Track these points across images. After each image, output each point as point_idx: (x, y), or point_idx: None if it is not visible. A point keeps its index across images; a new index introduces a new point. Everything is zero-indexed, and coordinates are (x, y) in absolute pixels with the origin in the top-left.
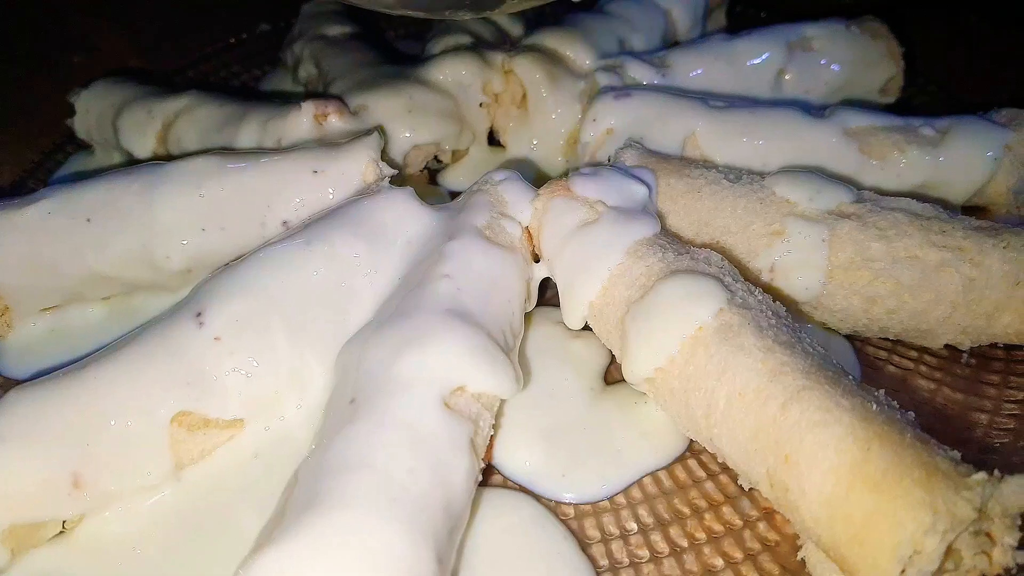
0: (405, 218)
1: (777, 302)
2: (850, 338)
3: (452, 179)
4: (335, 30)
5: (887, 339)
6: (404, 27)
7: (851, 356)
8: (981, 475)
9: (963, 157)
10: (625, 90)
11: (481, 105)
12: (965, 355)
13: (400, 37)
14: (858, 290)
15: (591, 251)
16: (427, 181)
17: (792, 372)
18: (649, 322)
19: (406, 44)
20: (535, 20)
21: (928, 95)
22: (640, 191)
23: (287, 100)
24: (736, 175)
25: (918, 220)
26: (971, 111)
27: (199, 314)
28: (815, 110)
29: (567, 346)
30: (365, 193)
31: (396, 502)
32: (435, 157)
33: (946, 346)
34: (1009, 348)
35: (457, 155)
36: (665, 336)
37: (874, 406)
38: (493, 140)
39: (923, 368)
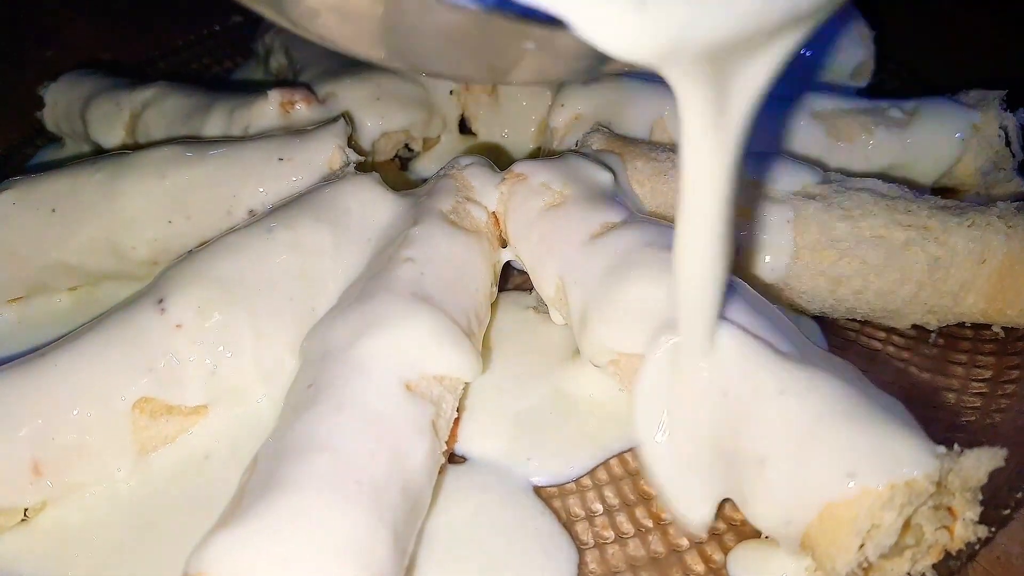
0: (370, 204)
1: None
2: (819, 319)
3: (424, 167)
4: None
5: (855, 320)
6: None
7: (819, 336)
8: (940, 449)
9: (931, 138)
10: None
11: (452, 93)
12: (933, 335)
13: None
14: (824, 270)
15: (556, 234)
16: (398, 169)
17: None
18: (611, 305)
19: None
20: None
21: (899, 79)
22: (604, 176)
23: (256, 90)
24: None
25: (883, 200)
26: (940, 94)
27: (161, 301)
28: (783, 94)
29: (535, 330)
30: (330, 179)
31: (353, 484)
32: (406, 145)
33: (914, 326)
34: (977, 327)
35: (428, 143)
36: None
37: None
38: (465, 128)
39: (891, 348)
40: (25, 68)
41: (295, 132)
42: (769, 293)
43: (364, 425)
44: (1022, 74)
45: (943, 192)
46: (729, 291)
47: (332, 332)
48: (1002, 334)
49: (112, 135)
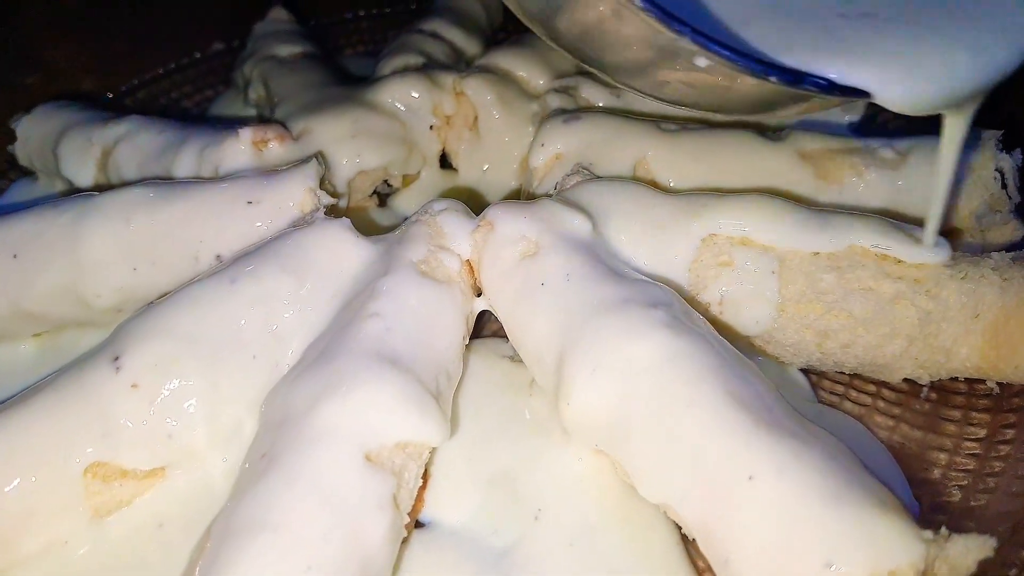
0: (339, 252)
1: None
2: (806, 371)
3: (404, 203)
4: (286, 50)
5: (844, 373)
6: (363, 44)
7: (807, 390)
8: (926, 534)
9: (924, 180)
10: (575, 113)
11: (431, 128)
12: (925, 389)
13: (359, 55)
14: (810, 324)
15: (530, 287)
16: (377, 206)
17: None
18: (592, 356)
19: (364, 62)
20: (493, 39)
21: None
22: (581, 224)
23: (234, 124)
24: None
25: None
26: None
27: (117, 358)
28: (770, 132)
29: (510, 381)
30: (298, 225)
31: (304, 569)
32: (385, 181)
33: (906, 380)
34: (971, 382)
35: (408, 179)
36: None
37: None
38: (446, 163)
39: (881, 403)
40: (4, 96)
41: (265, 173)
42: (753, 346)
43: (318, 502)
44: None
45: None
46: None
47: (291, 395)
48: (997, 389)
49: (83, 172)
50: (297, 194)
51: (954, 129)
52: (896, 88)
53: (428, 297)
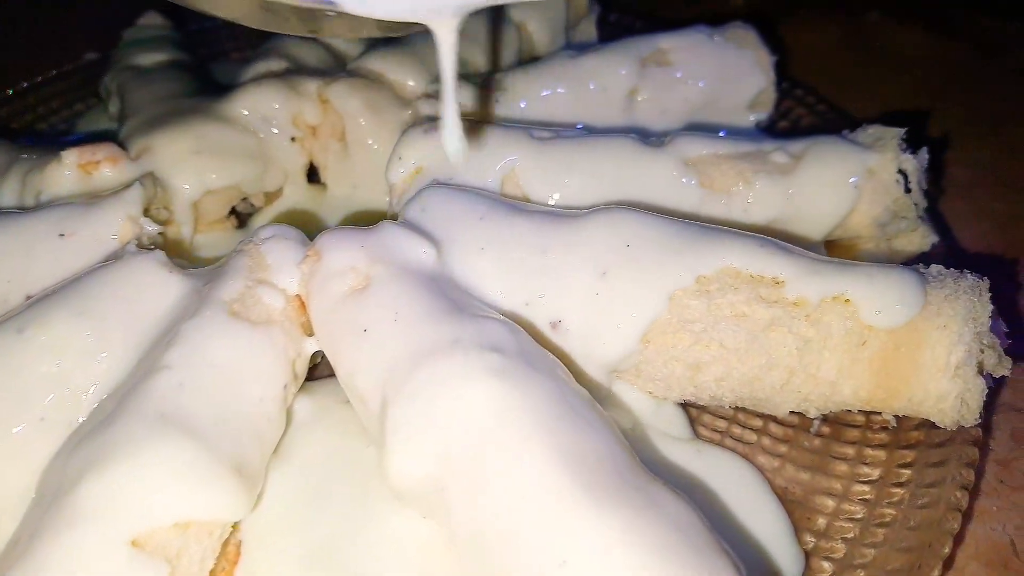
0: (147, 289)
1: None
2: (685, 405)
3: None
4: (149, 58)
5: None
6: (252, 48)
7: (685, 428)
8: None
9: (819, 186)
10: (437, 122)
11: (293, 140)
12: (816, 423)
13: (246, 60)
14: (678, 356)
15: (353, 327)
16: (236, 227)
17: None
18: (411, 410)
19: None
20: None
21: (808, 107)
22: (421, 253)
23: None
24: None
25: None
26: (855, 125)
27: None
28: (656, 137)
29: (348, 431)
30: (109, 260)
31: None
32: (246, 199)
33: (795, 412)
34: (868, 412)
35: (271, 196)
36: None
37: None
38: (317, 178)
39: (766, 441)
40: None
41: (84, 202)
42: (620, 379)
43: None
44: (953, 101)
45: (835, 248)
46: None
47: (66, 467)
48: (894, 422)
49: None
50: (115, 224)
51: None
52: None
53: (236, 343)
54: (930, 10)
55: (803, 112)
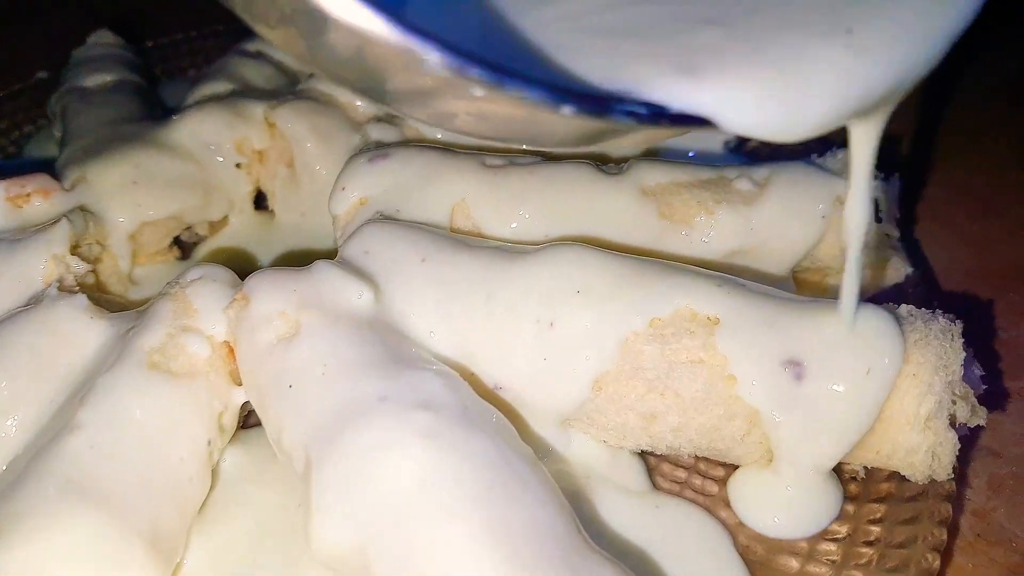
0: (66, 338)
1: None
2: (643, 453)
3: (214, 253)
4: (97, 79)
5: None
6: (209, 65)
7: (642, 479)
8: None
9: (785, 216)
10: (383, 149)
11: (239, 166)
12: None
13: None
14: (631, 405)
15: (282, 379)
16: (178, 258)
17: None
18: (335, 474)
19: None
20: None
21: None
22: (357, 297)
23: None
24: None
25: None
26: (824, 146)
27: None
28: (612, 165)
29: (281, 484)
30: (30, 304)
31: None
32: (191, 228)
33: None
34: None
35: (216, 226)
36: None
37: None
38: (265, 204)
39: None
40: None
41: (9, 238)
42: (572, 427)
43: None
44: (927, 115)
45: (803, 281)
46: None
47: None
48: (863, 473)
49: None
50: (38, 264)
51: (863, 145)
52: (751, 109)
53: (155, 398)
54: None
55: None
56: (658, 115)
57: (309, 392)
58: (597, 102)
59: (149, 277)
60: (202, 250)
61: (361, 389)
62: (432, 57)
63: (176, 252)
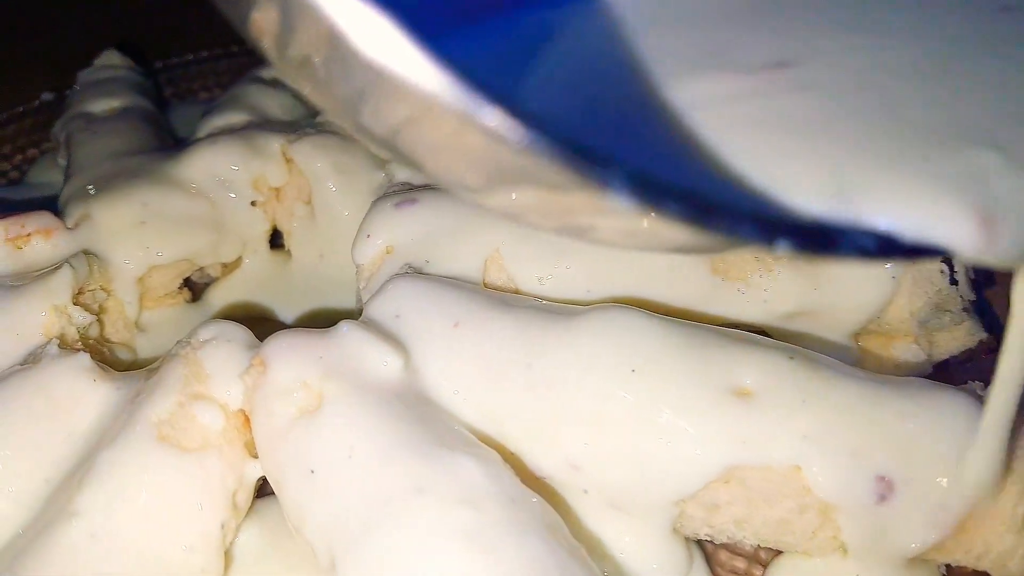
0: (68, 404)
1: None
2: (700, 541)
3: (224, 295)
4: (102, 104)
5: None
6: (221, 87)
7: (700, 570)
8: None
9: (851, 276)
10: (411, 193)
11: (254, 204)
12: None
13: (216, 99)
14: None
15: (303, 459)
16: (189, 301)
17: None
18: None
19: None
20: None
21: None
22: (386, 361)
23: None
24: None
25: None
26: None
27: None
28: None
29: (301, 562)
30: (26, 363)
31: None
32: (202, 269)
33: None
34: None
35: (229, 267)
36: None
37: None
38: (281, 240)
39: None
40: None
41: (7, 285)
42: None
43: None
44: None
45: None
46: None
47: None
48: (943, 569)
49: None
50: (37, 316)
51: None
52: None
53: (163, 477)
54: None
55: None
56: (889, 249)
57: (334, 479)
58: (823, 238)
59: (157, 323)
60: (213, 292)
61: (393, 478)
62: (619, 191)
63: (186, 294)
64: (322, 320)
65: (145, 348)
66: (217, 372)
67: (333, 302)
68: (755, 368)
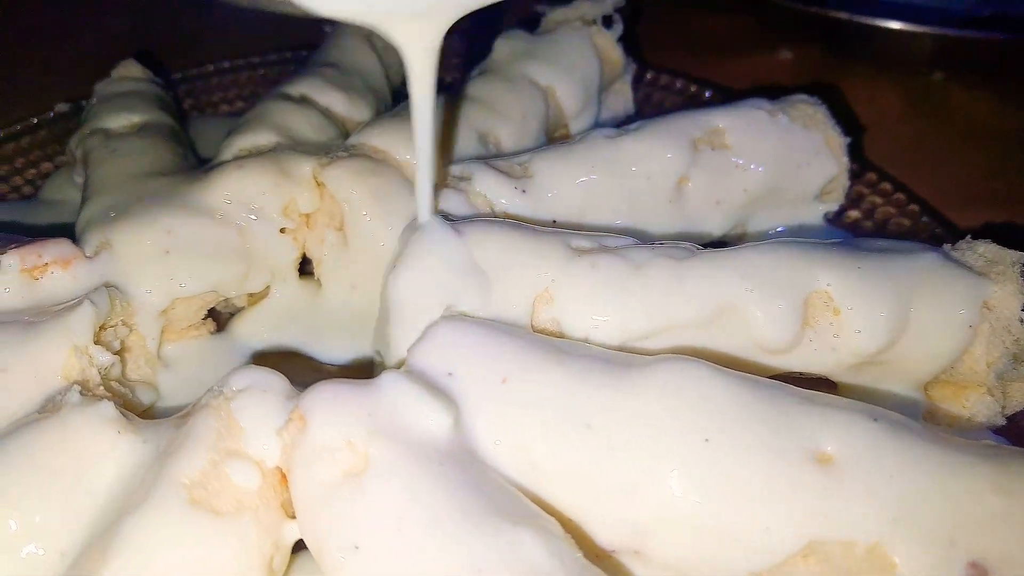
0: (92, 459)
1: None
2: None
3: (251, 327)
4: (121, 120)
5: None
6: (243, 100)
7: None
8: None
9: (924, 322)
10: (454, 224)
11: (283, 231)
12: None
13: (235, 114)
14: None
15: (346, 534)
16: (213, 332)
17: None
18: None
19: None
20: (392, 100)
21: (883, 196)
22: (435, 419)
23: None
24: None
25: None
26: (938, 225)
27: None
28: (712, 244)
29: None
30: (44, 410)
31: None
32: (227, 299)
33: None
34: None
35: (256, 296)
36: None
37: None
38: (309, 267)
39: None
40: None
41: (24, 321)
42: None
43: None
44: None
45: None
46: None
47: None
48: None
49: None
50: (56, 358)
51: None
52: None
53: (195, 546)
54: (1000, 75)
55: (877, 200)
56: None
57: (383, 556)
58: None
59: (180, 356)
60: (239, 323)
61: (449, 555)
62: None
63: (211, 325)
64: (355, 358)
65: (167, 385)
66: (252, 426)
67: (367, 337)
68: (837, 432)
